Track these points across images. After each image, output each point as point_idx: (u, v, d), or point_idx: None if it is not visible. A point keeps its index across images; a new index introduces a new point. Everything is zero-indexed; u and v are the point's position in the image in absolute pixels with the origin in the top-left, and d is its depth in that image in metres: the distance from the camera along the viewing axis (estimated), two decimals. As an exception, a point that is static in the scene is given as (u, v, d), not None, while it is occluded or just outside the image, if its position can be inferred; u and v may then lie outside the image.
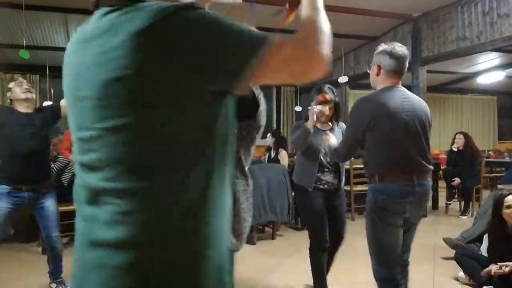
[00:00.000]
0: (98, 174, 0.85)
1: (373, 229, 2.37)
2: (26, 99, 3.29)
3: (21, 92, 3.29)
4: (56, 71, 7.66)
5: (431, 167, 2.43)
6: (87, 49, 0.87)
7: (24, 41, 5.85)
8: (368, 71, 2.57)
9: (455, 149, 6.88)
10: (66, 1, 5.66)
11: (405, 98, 2.41)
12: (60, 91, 0.99)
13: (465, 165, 6.77)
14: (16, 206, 3.23)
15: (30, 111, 3.34)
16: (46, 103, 5.54)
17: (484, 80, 9.61)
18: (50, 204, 3.36)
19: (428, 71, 7.04)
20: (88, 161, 0.88)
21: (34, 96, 3.37)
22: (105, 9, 0.88)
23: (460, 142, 6.87)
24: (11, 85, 3.36)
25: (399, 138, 2.31)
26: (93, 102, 0.84)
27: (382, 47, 2.45)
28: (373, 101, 2.40)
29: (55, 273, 3.50)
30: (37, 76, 8.69)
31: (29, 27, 6.44)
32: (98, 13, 0.90)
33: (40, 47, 7.37)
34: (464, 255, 3.70)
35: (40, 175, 3.29)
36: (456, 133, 7.12)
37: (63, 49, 1.08)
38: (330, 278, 3.24)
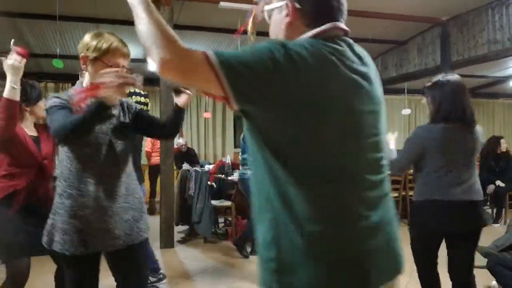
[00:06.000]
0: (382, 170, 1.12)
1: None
2: None
3: None
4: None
5: None
6: (371, 67, 1.13)
7: (58, 51, 6.05)
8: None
9: (498, 152, 6.73)
10: (98, 12, 5.84)
11: None
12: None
13: (500, 170, 6.62)
14: None
15: None
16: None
17: (517, 84, 9.36)
18: None
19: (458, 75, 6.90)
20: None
21: None
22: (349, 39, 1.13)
23: (504, 146, 6.73)
24: None
25: None
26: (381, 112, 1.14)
27: None
28: None
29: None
30: (70, 84, 8.97)
31: (62, 37, 6.66)
32: (347, 41, 1.12)
33: (73, 56, 7.60)
34: (498, 263, 3.59)
35: None
36: (496, 137, 6.96)
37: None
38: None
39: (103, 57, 1.75)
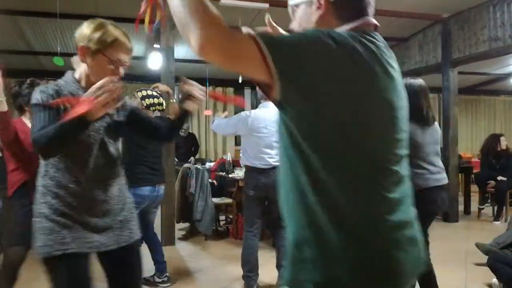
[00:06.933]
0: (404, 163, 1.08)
1: None
2: None
3: None
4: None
5: None
6: (394, 64, 1.08)
7: (59, 49, 6.05)
8: None
9: (498, 149, 6.74)
10: (98, 9, 5.84)
11: None
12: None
13: (500, 167, 6.62)
14: None
15: None
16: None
17: (518, 81, 9.35)
18: None
19: (459, 73, 6.89)
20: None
21: None
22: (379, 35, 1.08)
23: (504, 144, 6.74)
24: None
25: None
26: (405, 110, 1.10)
27: None
28: None
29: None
30: (70, 82, 8.95)
31: (63, 35, 6.66)
32: (378, 36, 1.08)
33: (74, 54, 7.57)
34: (498, 261, 3.59)
35: None
36: (496, 135, 6.96)
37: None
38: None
39: (105, 51, 1.62)
